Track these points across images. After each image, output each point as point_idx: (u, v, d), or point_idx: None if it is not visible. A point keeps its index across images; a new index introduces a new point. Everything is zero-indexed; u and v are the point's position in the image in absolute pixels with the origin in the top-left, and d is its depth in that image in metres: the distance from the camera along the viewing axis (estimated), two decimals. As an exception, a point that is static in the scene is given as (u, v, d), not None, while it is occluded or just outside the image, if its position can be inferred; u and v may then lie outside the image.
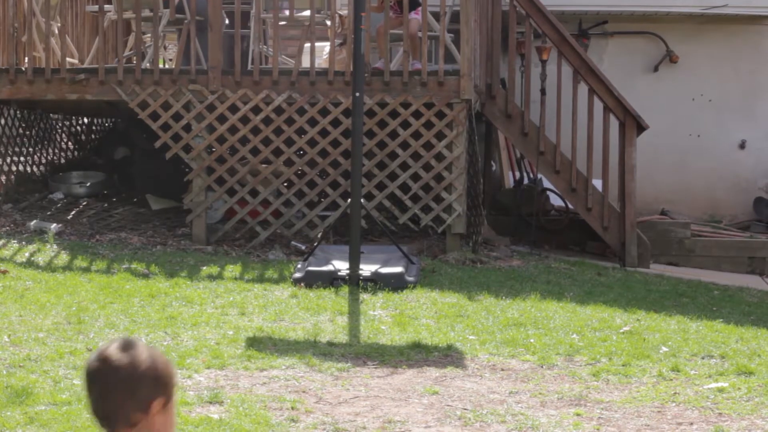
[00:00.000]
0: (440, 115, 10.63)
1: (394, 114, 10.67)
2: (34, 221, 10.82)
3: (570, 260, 11.21)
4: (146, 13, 11.11)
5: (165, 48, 14.29)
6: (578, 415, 6.35)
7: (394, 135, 10.72)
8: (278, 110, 10.74)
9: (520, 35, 12.22)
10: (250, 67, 11.13)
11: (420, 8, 10.71)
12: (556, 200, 12.74)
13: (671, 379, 7.07)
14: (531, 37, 11.71)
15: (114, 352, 2.75)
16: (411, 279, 9.29)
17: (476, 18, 10.74)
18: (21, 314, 7.99)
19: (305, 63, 10.88)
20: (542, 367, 7.28)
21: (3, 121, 11.82)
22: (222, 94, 10.68)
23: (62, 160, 13.39)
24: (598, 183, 11.56)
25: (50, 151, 13.22)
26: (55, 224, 10.69)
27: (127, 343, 2.77)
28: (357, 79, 9.25)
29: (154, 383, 2.75)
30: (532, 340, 7.81)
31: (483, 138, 12.72)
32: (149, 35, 11.51)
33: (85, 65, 11.90)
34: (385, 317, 8.33)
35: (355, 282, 9.11)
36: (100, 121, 14.61)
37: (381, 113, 10.61)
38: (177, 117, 10.80)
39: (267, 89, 10.67)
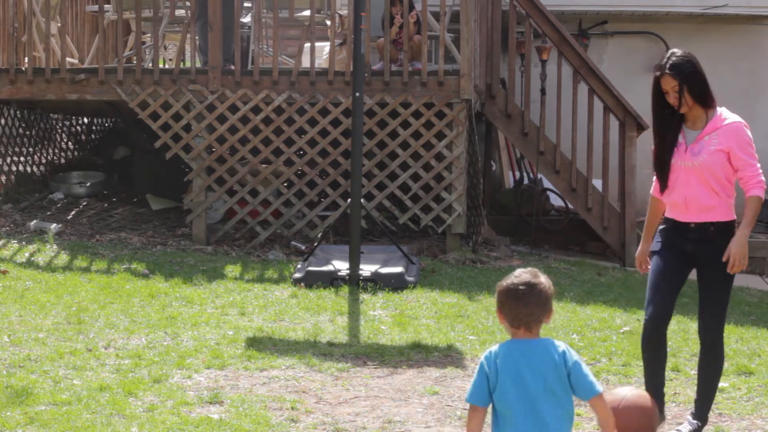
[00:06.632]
0: (440, 115, 10.63)
1: (394, 114, 10.67)
2: (34, 221, 10.82)
3: (570, 260, 11.21)
4: (146, 13, 11.11)
5: (165, 48, 14.29)
6: (578, 415, 6.35)
7: (394, 135, 10.72)
8: (278, 110, 10.74)
9: (520, 35, 12.22)
10: (250, 67, 11.13)
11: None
12: (556, 200, 12.74)
13: (671, 379, 7.06)
14: (531, 37, 11.70)
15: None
16: (411, 279, 9.28)
17: (476, 18, 10.74)
18: (21, 314, 7.99)
19: (305, 63, 10.88)
20: (542, 367, 7.27)
21: (3, 121, 11.82)
22: (222, 94, 10.68)
23: (62, 160, 13.39)
24: (598, 183, 11.56)
25: (50, 151, 13.22)
26: (55, 224, 10.69)
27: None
28: (357, 79, 9.25)
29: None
30: (532, 340, 7.80)
31: (483, 138, 12.72)
32: (149, 35, 11.51)
33: (85, 65, 11.91)
34: (385, 317, 8.33)
35: (355, 282, 9.11)
36: (100, 121, 14.61)
37: (381, 113, 10.61)
38: (177, 117, 10.80)
39: (267, 89, 10.67)
